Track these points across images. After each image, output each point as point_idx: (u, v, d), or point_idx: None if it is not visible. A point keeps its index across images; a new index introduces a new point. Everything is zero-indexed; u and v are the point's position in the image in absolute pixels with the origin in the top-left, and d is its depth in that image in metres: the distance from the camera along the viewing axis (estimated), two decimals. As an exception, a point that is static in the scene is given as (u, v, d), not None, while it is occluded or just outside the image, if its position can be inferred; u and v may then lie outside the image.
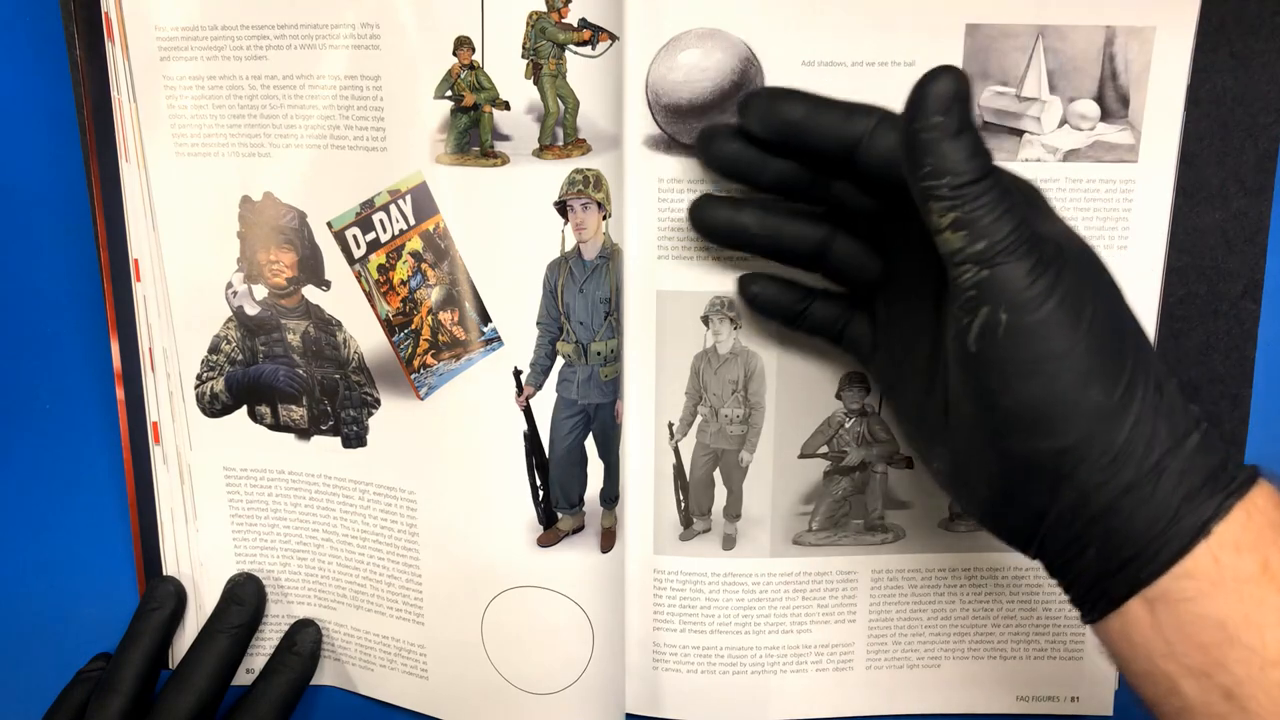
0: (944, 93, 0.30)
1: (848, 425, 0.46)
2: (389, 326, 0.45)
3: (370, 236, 0.44)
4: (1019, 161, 0.42)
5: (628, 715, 0.48)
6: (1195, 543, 0.30)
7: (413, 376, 0.45)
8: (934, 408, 0.35)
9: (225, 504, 0.48)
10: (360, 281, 0.44)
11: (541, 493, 0.45)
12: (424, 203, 0.42)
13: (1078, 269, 0.32)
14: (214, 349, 0.46)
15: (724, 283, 0.43)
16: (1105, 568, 0.31)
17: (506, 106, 0.41)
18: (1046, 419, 0.31)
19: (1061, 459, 0.31)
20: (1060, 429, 0.31)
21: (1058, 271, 0.31)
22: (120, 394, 0.47)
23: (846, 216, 0.40)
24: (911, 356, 0.37)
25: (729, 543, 0.47)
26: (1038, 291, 0.30)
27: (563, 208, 0.42)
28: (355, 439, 0.46)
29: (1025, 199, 0.34)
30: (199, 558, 0.49)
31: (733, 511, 0.46)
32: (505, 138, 0.41)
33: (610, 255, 0.43)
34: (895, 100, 0.41)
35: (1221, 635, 0.30)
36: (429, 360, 0.44)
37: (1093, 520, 0.31)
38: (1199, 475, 0.31)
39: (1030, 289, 0.30)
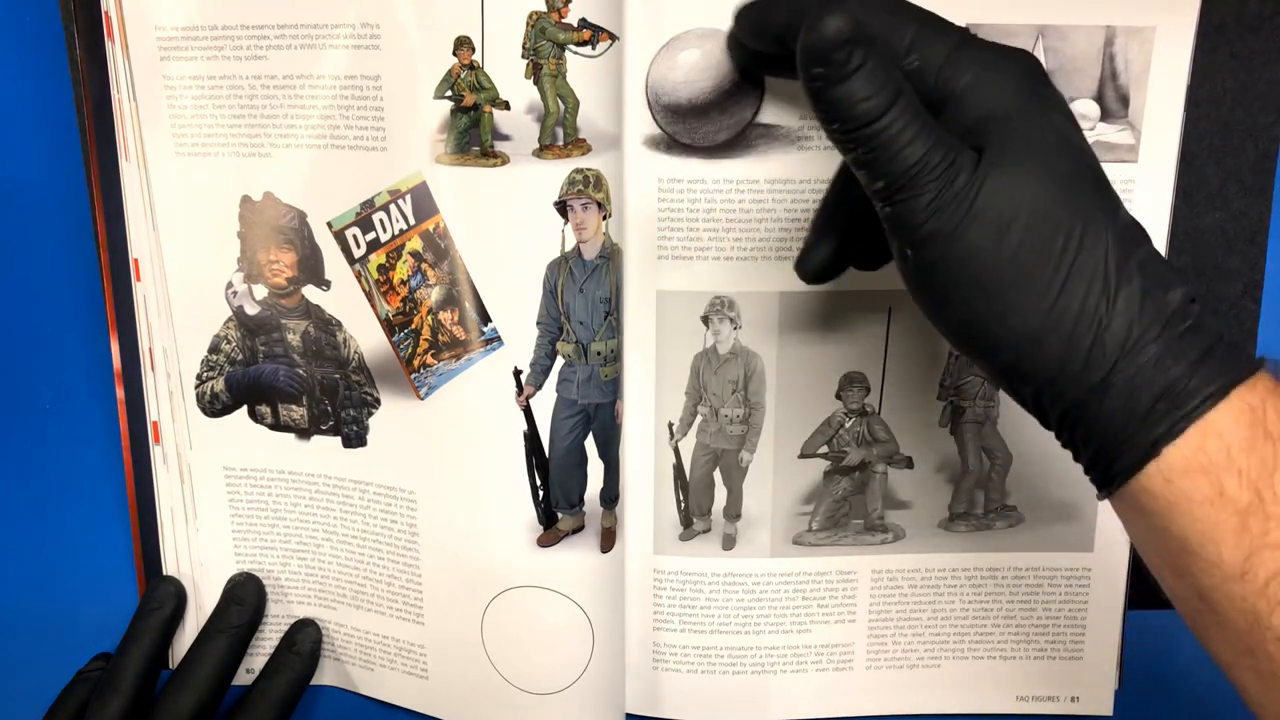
0: (826, 38, 0.30)
1: (848, 425, 0.46)
2: (389, 326, 0.45)
3: (370, 236, 0.44)
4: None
5: (628, 715, 0.48)
6: (1145, 463, 0.29)
7: (413, 376, 0.45)
8: None
9: (225, 504, 0.48)
10: (360, 281, 0.45)
11: (541, 493, 0.45)
12: (424, 203, 0.42)
13: (1010, 173, 0.30)
14: (214, 349, 0.46)
15: (724, 283, 0.43)
16: (1082, 460, 0.32)
17: (506, 106, 0.41)
18: (975, 341, 0.31)
19: (1005, 371, 0.31)
20: (990, 351, 0.31)
21: (968, 196, 0.30)
22: (120, 394, 0.47)
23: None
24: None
25: (729, 543, 0.47)
26: (934, 228, 0.30)
27: (563, 208, 0.42)
28: (355, 439, 0.46)
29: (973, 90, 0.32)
30: (199, 558, 0.49)
31: (733, 511, 0.46)
32: (505, 138, 0.41)
33: (610, 255, 0.43)
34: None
35: (1182, 548, 0.30)
36: (429, 360, 0.44)
37: (1061, 418, 0.31)
38: (1158, 384, 0.29)
39: (926, 226, 0.30)
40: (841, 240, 0.38)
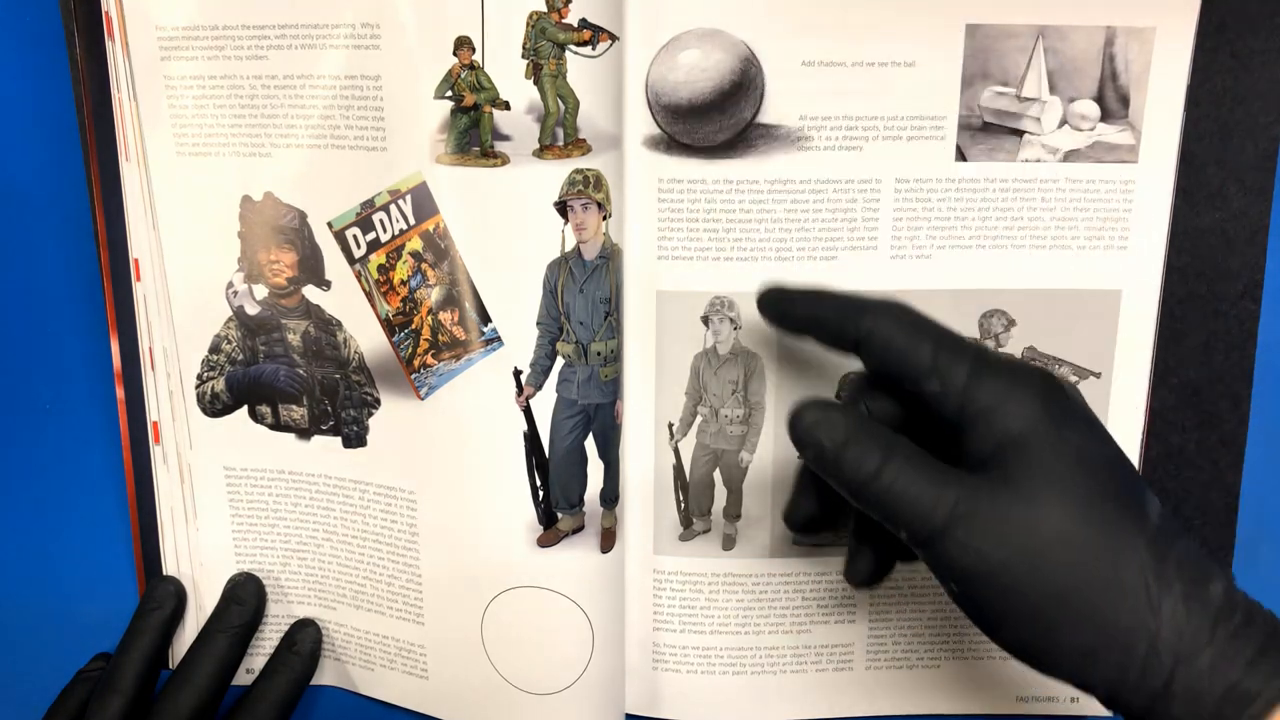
0: (807, 423, 0.34)
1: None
2: (389, 326, 0.45)
3: (370, 236, 0.44)
4: (1019, 161, 0.42)
5: (628, 715, 0.48)
6: None
7: (413, 376, 0.45)
8: None
9: (225, 504, 0.48)
10: (360, 281, 0.45)
11: (541, 493, 0.45)
12: (424, 203, 0.42)
13: (1043, 500, 0.31)
14: (214, 349, 0.46)
15: (724, 283, 0.44)
16: None
17: (506, 106, 0.41)
18: (1035, 659, 0.32)
19: (1071, 682, 0.32)
20: (1049, 668, 0.32)
21: (992, 533, 0.31)
22: (120, 394, 0.47)
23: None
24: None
25: (729, 543, 0.47)
26: (967, 566, 0.31)
27: (563, 208, 0.42)
28: (355, 439, 0.46)
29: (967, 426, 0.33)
30: (199, 558, 0.49)
31: (732, 512, 0.46)
32: (505, 138, 0.41)
33: (610, 255, 0.43)
34: (896, 102, 0.41)
35: None
36: (429, 360, 0.44)
37: (1140, 718, 0.31)
38: (1219, 688, 0.30)
39: (959, 565, 0.31)
40: (880, 549, 0.39)
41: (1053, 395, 0.33)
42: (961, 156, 0.42)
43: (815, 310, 0.37)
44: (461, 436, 0.45)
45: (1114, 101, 0.42)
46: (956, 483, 0.32)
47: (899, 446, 0.33)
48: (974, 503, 0.31)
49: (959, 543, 0.31)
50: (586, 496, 0.45)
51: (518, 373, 0.44)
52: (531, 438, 0.44)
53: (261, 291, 0.46)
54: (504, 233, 0.42)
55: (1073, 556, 0.31)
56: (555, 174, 0.41)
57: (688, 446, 0.46)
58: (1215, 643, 0.30)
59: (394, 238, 0.43)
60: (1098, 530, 0.31)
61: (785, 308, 0.39)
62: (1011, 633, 0.32)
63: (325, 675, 0.50)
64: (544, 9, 0.40)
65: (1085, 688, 0.32)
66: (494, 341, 0.44)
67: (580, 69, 0.41)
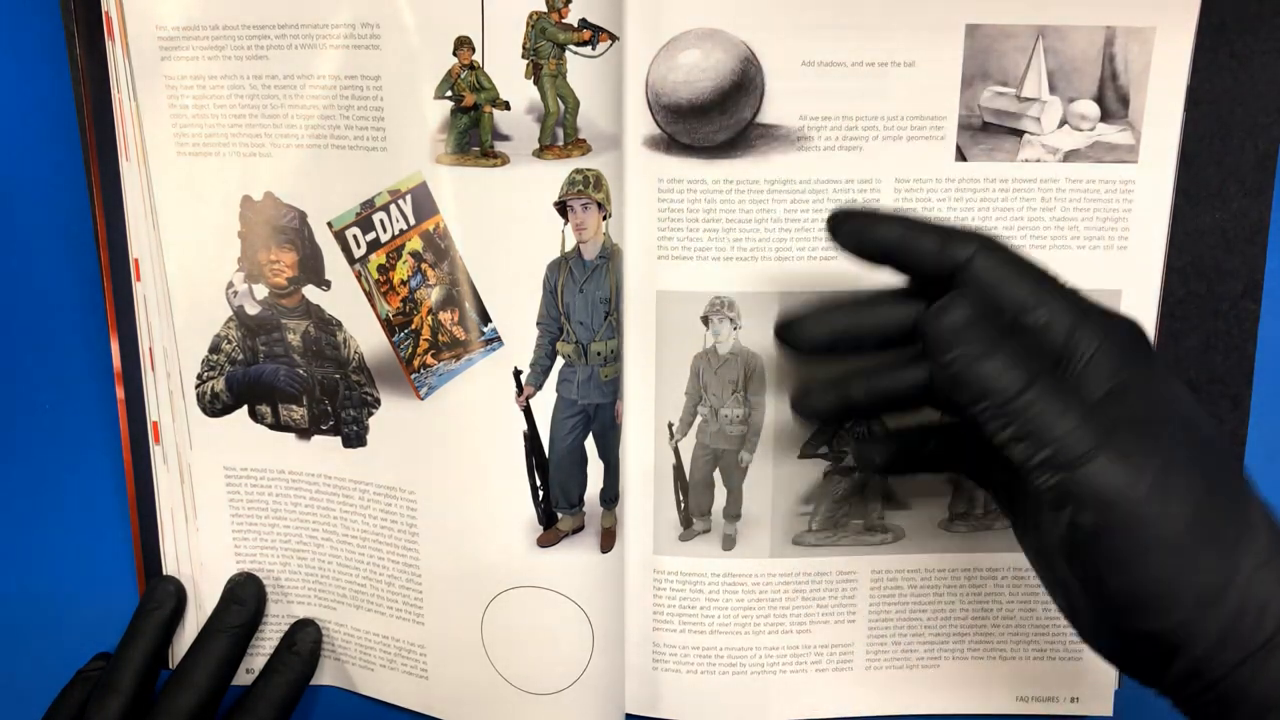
0: (956, 323, 0.32)
1: (848, 425, 0.46)
2: (389, 326, 0.45)
3: (370, 236, 0.44)
4: (1019, 161, 0.42)
5: (628, 715, 0.48)
6: None
7: (413, 376, 0.45)
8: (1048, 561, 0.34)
9: (225, 504, 0.48)
10: (360, 281, 0.45)
11: (541, 493, 0.45)
12: (424, 203, 0.42)
13: (1167, 438, 0.31)
14: (214, 348, 0.46)
15: (724, 283, 0.44)
16: None
17: (506, 106, 0.41)
18: (1146, 605, 0.31)
19: (1170, 636, 0.31)
20: (1164, 613, 0.31)
21: (1139, 457, 0.31)
22: (120, 394, 0.47)
23: None
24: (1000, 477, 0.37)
25: (729, 543, 0.47)
26: (1115, 489, 0.30)
27: (563, 208, 0.42)
28: (355, 439, 0.46)
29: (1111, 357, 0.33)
30: (199, 557, 0.49)
31: (732, 512, 0.46)
32: (505, 138, 0.41)
33: (610, 255, 0.43)
34: (896, 102, 0.41)
35: None
36: (429, 360, 0.44)
37: (1208, 687, 0.31)
38: None
39: (1108, 488, 0.30)
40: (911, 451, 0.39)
41: (1149, 348, 0.34)
42: (961, 156, 0.42)
43: (906, 234, 0.35)
44: (461, 436, 0.45)
45: (1114, 101, 0.42)
46: (1094, 410, 0.31)
47: (1043, 365, 0.32)
48: (1111, 432, 0.31)
49: (1108, 465, 0.30)
50: (586, 496, 0.45)
51: (518, 373, 0.44)
52: (531, 438, 0.44)
53: (261, 291, 0.46)
54: (504, 233, 0.42)
55: (1198, 498, 0.30)
56: (555, 174, 0.41)
57: (688, 446, 0.46)
58: None
59: (394, 238, 0.43)
60: (1215, 477, 0.31)
61: (866, 231, 0.36)
62: (1140, 571, 0.30)
63: (325, 675, 0.50)
64: (544, 9, 0.40)
65: (1177, 644, 0.31)
66: (494, 341, 0.44)
67: (580, 69, 0.41)
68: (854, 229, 0.36)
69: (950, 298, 0.32)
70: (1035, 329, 0.33)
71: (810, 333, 0.37)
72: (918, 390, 0.36)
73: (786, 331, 0.38)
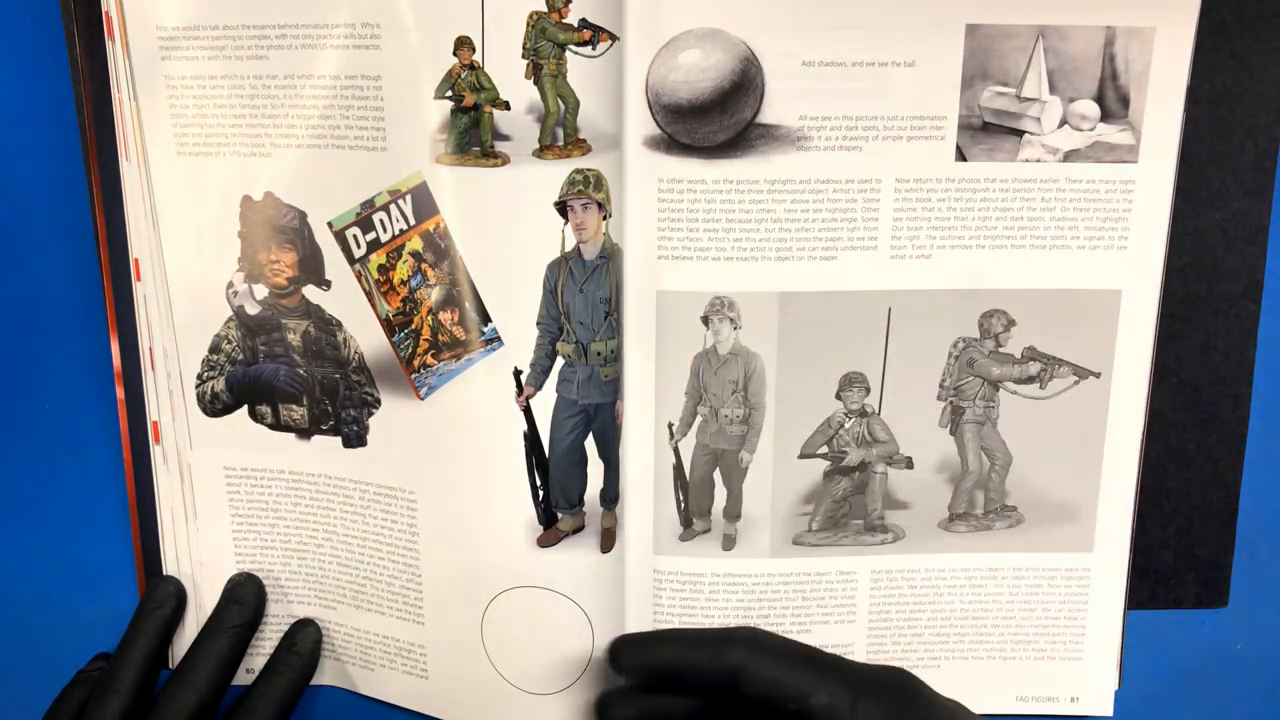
0: None
1: (847, 425, 0.46)
2: (389, 326, 0.45)
3: (370, 236, 0.44)
4: (1019, 161, 0.42)
5: (628, 715, 0.48)
6: None
7: (413, 376, 0.45)
8: None
9: (225, 503, 0.48)
10: (360, 281, 0.45)
11: (541, 493, 0.45)
12: (424, 203, 0.42)
13: None
14: (214, 348, 0.46)
15: (724, 283, 0.43)
16: None
17: (507, 106, 0.41)
18: None
19: None
20: None
21: None
22: (120, 394, 0.47)
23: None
24: None
25: (729, 543, 0.47)
26: None
27: (563, 208, 0.42)
28: (355, 439, 0.46)
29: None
30: (199, 557, 0.49)
31: (733, 512, 0.46)
32: (505, 138, 0.41)
33: (610, 255, 0.43)
34: (896, 102, 0.41)
35: None
36: (429, 360, 0.44)
37: None
38: None
39: None
40: None
41: (922, 696, 0.38)
42: (961, 156, 0.42)
43: (680, 652, 0.39)
44: (461, 436, 0.45)
45: (1114, 101, 0.42)
46: None
47: None
48: None
49: None
50: (586, 496, 0.45)
51: (518, 373, 0.44)
52: (531, 438, 0.44)
53: (262, 291, 0.46)
54: (504, 233, 0.42)
55: None
56: (555, 174, 0.41)
57: (688, 446, 0.46)
58: None
59: (394, 238, 0.43)
60: None
61: (645, 654, 0.41)
62: None
63: (325, 675, 0.50)
64: (544, 9, 0.40)
65: None
66: (494, 341, 0.44)
67: (580, 69, 0.41)
68: (633, 654, 0.41)
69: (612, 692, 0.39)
70: (821, 710, 0.37)
71: (638, 660, 0.41)
72: None
73: (616, 656, 0.41)
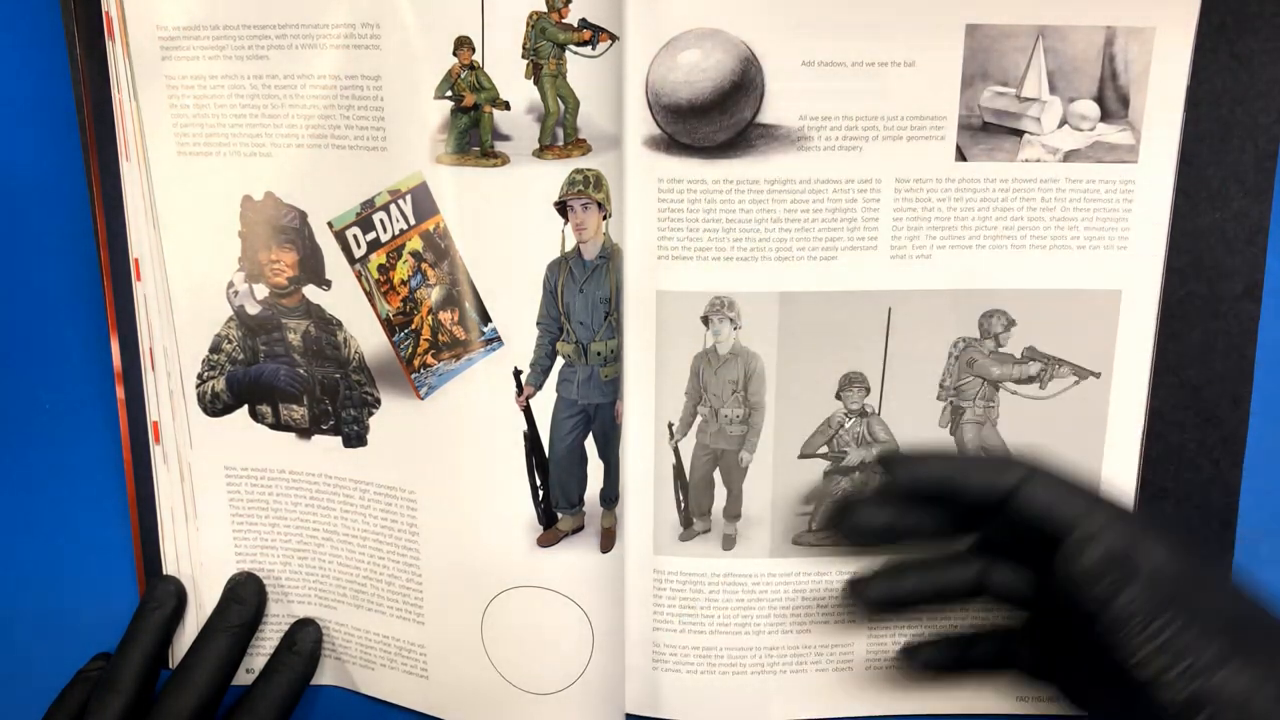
0: (1093, 563, 0.34)
1: (847, 425, 0.46)
2: (389, 326, 0.45)
3: (370, 236, 0.44)
4: (1019, 161, 0.42)
5: (627, 715, 0.48)
6: None
7: (413, 376, 0.45)
8: None
9: (225, 503, 0.48)
10: (361, 281, 0.45)
11: (541, 493, 0.45)
12: (424, 203, 0.42)
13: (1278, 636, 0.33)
14: (215, 348, 0.46)
15: (724, 283, 0.43)
16: None
17: (506, 106, 0.41)
18: None
19: None
20: None
21: (1264, 658, 0.32)
22: (120, 394, 0.47)
23: (996, 547, 0.41)
24: (1096, 687, 0.38)
25: (729, 543, 0.47)
26: (1248, 691, 0.32)
27: (563, 208, 0.42)
28: (356, 438, 0.46)
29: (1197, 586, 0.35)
30: (199, 557, 0.49)
31: (732, 512, 0.46)
32: (505, 138, 0.41)
33: (610, 255, 0.43)
34: (896, 102, 0.41)
35: None
36: (429, 360, 0.44)
37: None
38: None
39: (1242, 691, 0.32)
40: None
41: (1195, 547, 0.35)
42: (961, 156, 0.42)
43: (955, 469, 0.39)
44: (461, 436, 0.45)
45: (1114, 101, 0.42)
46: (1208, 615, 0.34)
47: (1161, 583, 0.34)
48: (1238, 633, 0.33)
49: (1240, 670, 0.32)
50: (586, 496, 0.45)
51: (518, 373, 0.44)
52: (531, 438, 0.44)
53: (262, 291, 0.46)
54: (504, 233, 0.42)
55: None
56: (555, 174, 0.41)
57: (688, 446, 0.46)
58: None
59: (394, 237, 0.43)
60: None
61: (919, 469, 0.40)
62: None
63: (325, 675, 0.50)
64: (544, 9, 0.40)
65: None
66: (494, 341, 0.44)
67: (580, 69, 0.41)
68: (907, 466, 0.40)
69: (1075, 543, 0.35)
70: (1096, 541, 0.35)
71: (912, 472, 0.40)
72: (967, 589, 0.40)
73: (855, 590, 0.41)
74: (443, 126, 0.41)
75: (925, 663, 0.43)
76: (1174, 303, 0.44)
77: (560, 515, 0.45)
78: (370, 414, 0.46)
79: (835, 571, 0.47)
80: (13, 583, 0.50)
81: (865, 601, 0.41)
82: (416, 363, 0.45)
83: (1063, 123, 0.42)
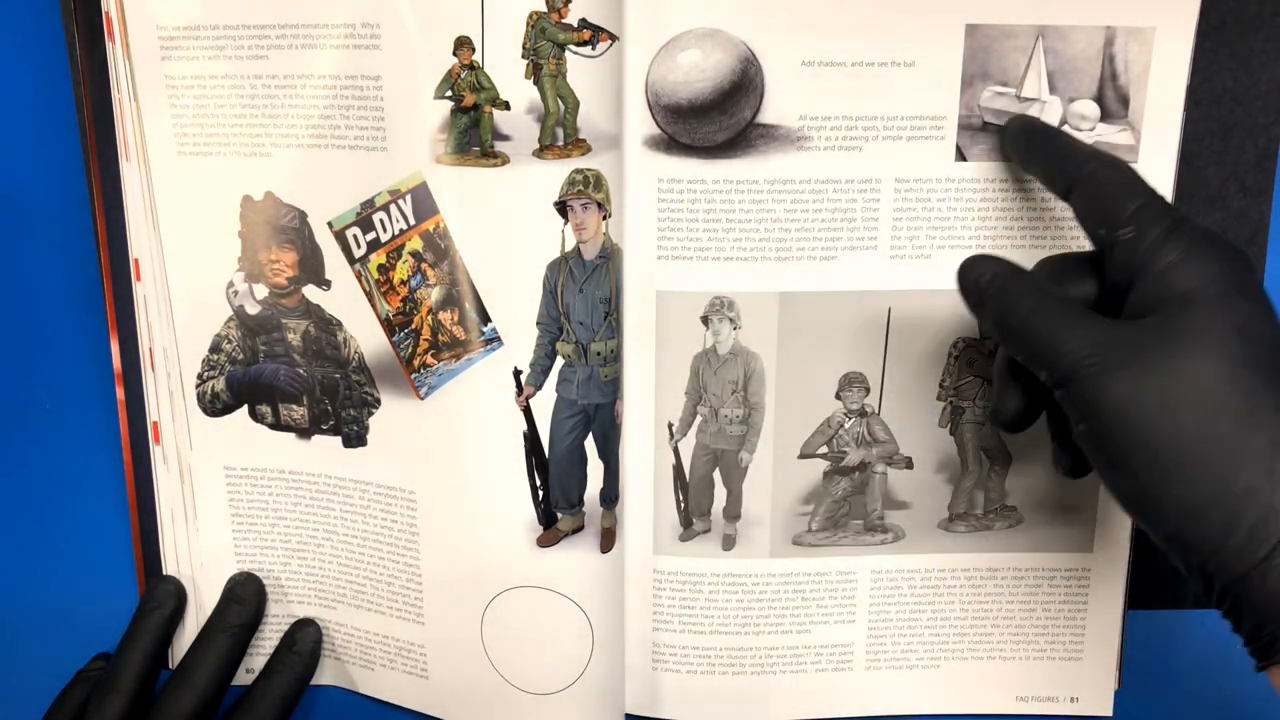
0: (968, 283, 0.37)
1: (847, 425, 0.46)
2: (389, 326, 0.45)
3: (370, 236, 0.44)
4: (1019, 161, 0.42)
5: (627, 715, 0.48)
6: None
7: (413, 376, 0.45)
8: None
9: (225, 503, 0.48)
10: (360, 281, 0.45)
11: (541, 493, 0.45)
12: (424, 203, 0.42)
13: (1200, 353, 0.32)
14: (215, 348, 0.46)
15: (724, 283, 0.44)
16: (1242, 633, 0.32)
17: (506, 106, 0.41)
18: (1141, 508, 0.32)
19: (1170, 539, 0.32)
20: (1155, 518, 0.32)
21: (1140, 370, 0.32)
22: (120, 394, 0.47)
23: None
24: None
25: (729, 543, 0.47)
26: (1113, 400, 0.32)
27: (563, 208, 0.42)
28: (355, 439, 0.46)
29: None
30: (199, 557, 0.49)
31: (732, 512, 0.46)
32: (505, 138, 0.41)
33: (610, 255, 0.43)
34: (896, 102, 0.41)
35: None
36: (429, 360, 0.44)
37: (1223, 590, 0.31)
38: None
39: (1090, 401, 0.32)
40: (1028, 394, 0.39)
41: (1236, 264, 0.33)
42: (961, 156, 0.42)
43: (1050, 146, 0.39)
44: (461, 436, 0.45)
45: (1114, 101, 0.42)
46: (1099, 327, 0.33)
47: (1047, 294, 0.35)
48: (1115, 346, 0.32)
49: (1091, 381, 0.32)
50: (586, 496, 0.45)
51: (518, 373, 0.44)
52: (531, 438, 0.44)
53: (262, 291, 0.46)
54: (504, 233, 0.42)
55: (1203, 413, 0.31)
56: (555, 174, 0.41)
57: (688, 446, 0.46)
58: None
59: (394, 237, 0.43)
60: (1235, 394, 0.31)
61: (1030, 139, 0.40)
62: (1127, 477, 0.32)
63: (325, 675, 0.50)
64: (544, 9, 0.40)
65: (1182, 547, 0.32)
66: (494, 341, 0.44)
67: (580, 69, 0.41)
68: (1021, 136, 0.41)
69: (972, 257, 0.37)
70: (1123, 241, 0.34)
71: (1030, 142, 0.40)
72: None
73: (1016, 129, 0.41)
74: (443, 126, 0.41)
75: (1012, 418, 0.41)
76: (1174, 303, 0.44)
77: (560, 515, 0.45)
78: (370, 414, 0.46)
79: (835, 572, 0.47)
80: (13, 583, 0.50)
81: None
82: (416, 363, 0.45)
83: (1063, 123, 0.42)
